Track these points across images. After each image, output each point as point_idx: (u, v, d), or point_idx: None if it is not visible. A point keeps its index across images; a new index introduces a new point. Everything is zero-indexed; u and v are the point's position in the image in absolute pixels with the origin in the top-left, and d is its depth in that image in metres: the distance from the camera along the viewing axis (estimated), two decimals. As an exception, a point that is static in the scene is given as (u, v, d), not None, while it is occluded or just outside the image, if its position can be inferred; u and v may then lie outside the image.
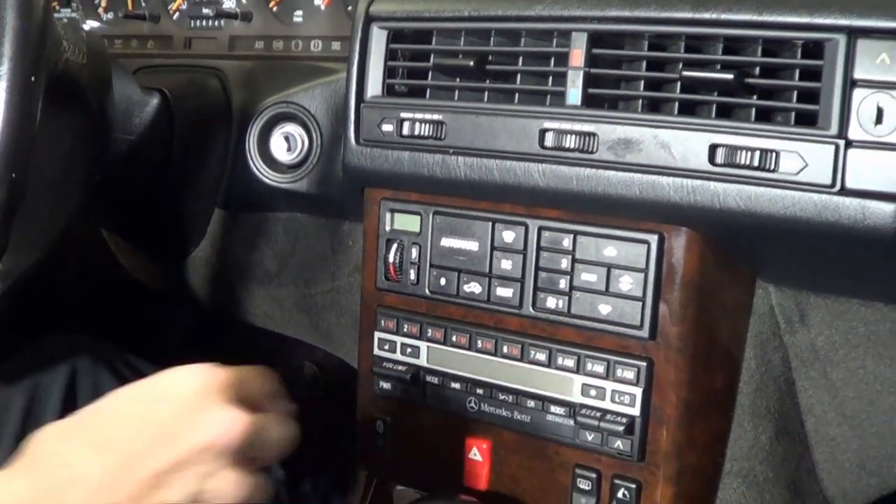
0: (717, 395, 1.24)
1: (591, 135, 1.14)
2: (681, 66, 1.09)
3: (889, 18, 0.97)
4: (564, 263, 1.21)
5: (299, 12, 1.70)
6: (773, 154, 1.03)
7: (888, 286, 1.11)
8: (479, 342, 1.29)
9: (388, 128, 1.29)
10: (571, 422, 1.23)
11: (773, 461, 1.29)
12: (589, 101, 1.15)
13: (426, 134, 1.25)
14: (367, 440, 1.43)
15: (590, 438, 1.22)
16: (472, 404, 1.30)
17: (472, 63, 1.21)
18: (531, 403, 1.26)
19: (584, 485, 1.24)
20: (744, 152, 1.05)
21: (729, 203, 1.06)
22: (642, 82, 1.13)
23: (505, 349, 1.27)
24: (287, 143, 1.49)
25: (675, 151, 1.09)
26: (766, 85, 1.06)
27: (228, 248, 1.66)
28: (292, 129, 1.49)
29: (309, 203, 1.53)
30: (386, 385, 1.38)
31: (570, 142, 1.15)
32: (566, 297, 1.22)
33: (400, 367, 1.35)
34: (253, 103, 1.54)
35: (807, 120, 1.03)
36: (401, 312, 1.36)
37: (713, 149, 1.06)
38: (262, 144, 1.52)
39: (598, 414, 1.20)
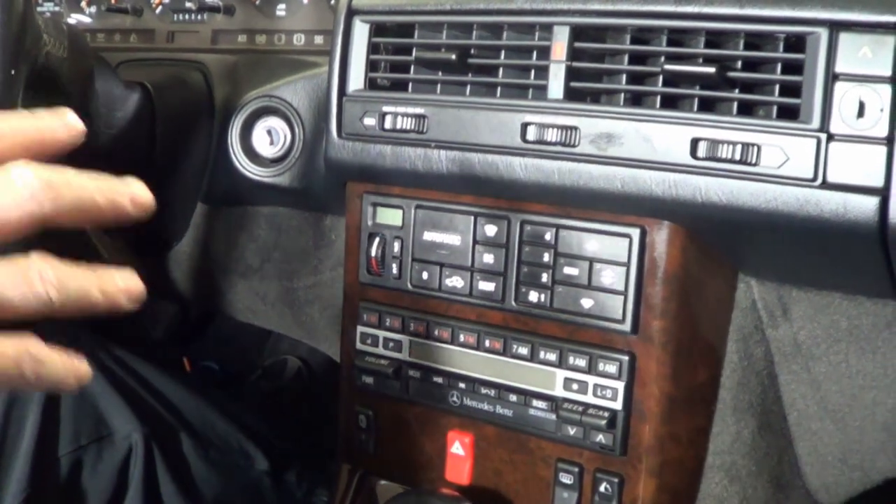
0: (700, 389, 1.24)
1: (573, 128, 1.13)
2: (663, 59, 1.09)
3: (871, 12, 0.97)
4: (546, 257, 1.21)
5: (282, 6, 1.69)
6: (755, 148, 1.03)
7: (870, 280, 1.11)
8: (462, 336, 1.28)
9: (370, 121, 1.28)
10: (554, 416, 1.23)
11: (755, 455, 1.29)
12: (571, 94, 1.15)
13: (408, 128, 1.25)
14: (349, 434, 1.43)
15: (572, 433, 1.22)
16: (455, 398, 1.30)
17: (454, 57, 1.21)
18: (513, 398, 1.26)
19: (566, 479, 1.24)
20: (726, 146, 1.05)
21: (711, 197, 1.06)
22: (624, 76, 1.13)
23: (487, 343, 1.27)
24: (269, 136, 1.49)
25: (657, 145, 1.09)
26: (748, 79, 1.06)
27: (211, 242, 1.66)
28: (275, 122, 1.49)
29: (291, 197, 1.52)
30: (368, 379, 1.38)
31: (551, 135, 1.15)
32: (548, 291, 1.22)
33: (382, 362, 1.35)
34: (235, 97, 1.54)
35: (789, 114, 1.03)
36: (383, 306, 1.36)
37: (695, 142, 1.06)
38: (245, 138, 1.51)
39: (581, 408, 1.20)
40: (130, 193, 0.74)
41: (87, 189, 0.71)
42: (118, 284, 0.74)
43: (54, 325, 0.74)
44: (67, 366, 0.74)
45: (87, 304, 0.72)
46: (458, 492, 1.30)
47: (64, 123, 0.74)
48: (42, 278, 0.69)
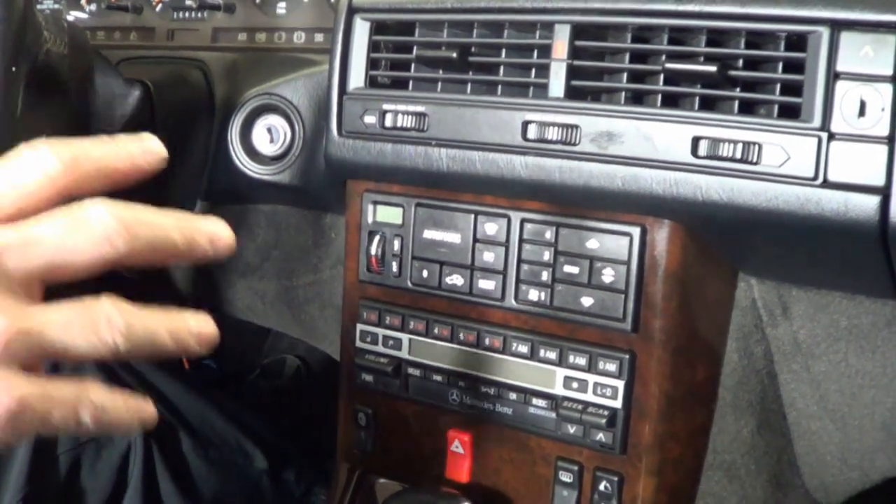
0: (700, 387, 1.24)
1: (574, 127, 1.13)
2: (664, 58, 1.09)
3: (872, 11, 0.97)
4: (547, 256, 1.21)
5: (283, 4, 1.69)
6: (756, 146, 1.03)
7: (870, 279, 1.11)
8: (462, 334, 1.28)
9: (370, 119, 1.28)
10: (553, 414, 1.23)
11: (754, 454, 1.29)
12: (571, 93, 1.15)
13: (408, 126, 1.25)
14: (348, 432, 1.43)
15: (572, 431, 1.21)
16: (454, 397, 1.30)
17: (454, 55, 1.21)
18: (513, 396, 1.26)
19: (565, 477, 1.24)
20: (726, 145, 1.04)
21: (711, 195, 1.06)
22: (625, 74, 1.13)
23: (487, 341, 1.27)
24: (269, 134, 1.49)
25: (658, 144, 1.09)
26: (749, 77, 1.06)
27: (210, 239, 1.66)
28: (275, 120, 1.49)
29: (291, 195, 1.52)
30: (368, 377, 1.37)
31: (552, 134, 1.14)
32: (548, 290, 1.22)
33: (382, 360, 1.35)
34: (235, 95, 1.54)
35: (790, 112, 1.03)
36: (383, 304, 1.35)
37: (696, 141, 1.06)
38: (245, 136, 1.51)
39: (580, 406, 1.20)
40: (210, 233, 0.73)
41: (164, 228, 0.71)
42: (190, 328, 0.73)
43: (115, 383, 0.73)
44: (131, 410, 0.73)
45: (156, 350, 0.71)
46: (457, 490, 1.30)
47: (145, 151, 0.74)
48: (111, 325, 0.68)
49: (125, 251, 0.69)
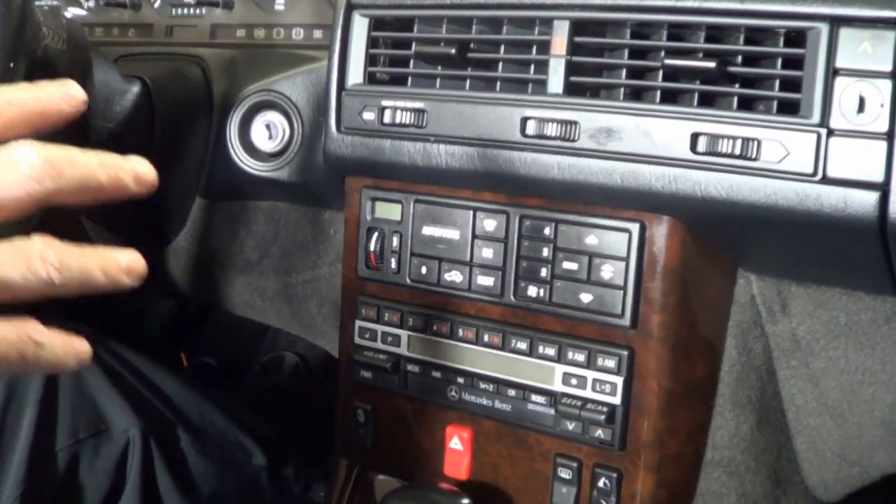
0: (699, 384, 1.24)
1: (573, 123, 1.13)
2: (663, 54, 1.09)
3: (871, 7, 0.97)
4: (546, 252, 1.21)
5: (281, 0, 1.69)
6: (755, 143, 1.03)
7: (870, 275, 1.11)
8: (460, 331, 1.28)
9: (369, 116, 1.28)
10: (552, 411, 1.23)
11: (754, 451, 1.29)
12: (570, 89, 1.14)
13: (407, 122, 1.25)
14: (347, 429, 1.43)
15: (571, 427, 1.21)
16: (453, 393, 1.30)
17: (453, 51, 1.21)
18: (512, 392, 1.26)
19: (564, 474, 1.24)
20: (726, 141, 1.04)
21: (710, 191, 1.06)
22: (624, 70, 1.13)
23: (486, 338, 1.27)
24: (268, 131, 1.49)
25: (657, 140, 1.08)
26: (749, 73, 1.06)
27: (209, 236, 1.66)
28: (273, 117, 1.49)
29: (290, 191, 1.52)
30: (366, 374, 1.37)
31: (551, 130, 1.14)
32: (547, 286, 1.22)
33: (381, 356, 1.35)
34: (234, 91, 1.54)
35: (789, 109, 1.02)
36: (382, 301, 1.35)
37: (695, 137, 1.06)
38: (244, 133, 1.51)
39: (579, 403, 1.20)
40: (133, 170, 0.74)
41: (90, 166, 0.71)
42: (119, 263, 0.73)
43: (49, 320, 0.74)
44: (67, 347, 0.74)
45: (89, 284, 0.72)
46: (456, 487, 1.30)
47: (66, 94, 0.74)
48: (43, 259, 0.69)
49: (53, 190, 0.69)
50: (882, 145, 0.97)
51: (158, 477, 1.63)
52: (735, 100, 1.06)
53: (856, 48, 0.98)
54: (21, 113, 0.72)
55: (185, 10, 1.76)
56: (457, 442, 1.32)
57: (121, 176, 0.73)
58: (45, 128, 0.73)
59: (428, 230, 1.30)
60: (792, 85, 1.02)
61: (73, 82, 0.74)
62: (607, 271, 1.18)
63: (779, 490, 1.33)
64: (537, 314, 1.24)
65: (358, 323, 1.38)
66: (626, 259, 1.16)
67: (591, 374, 1.20)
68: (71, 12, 1.86)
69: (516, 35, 1.20)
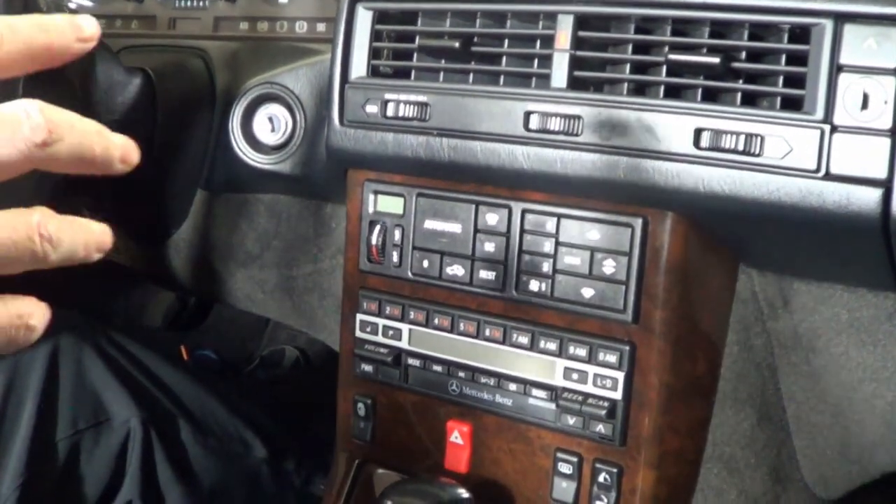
0: (700, 380, 1.24)
1: (576, 117, 1.13)
2: (667, 49, 1.09)
3: (876, 4, 0.97)
4: (548, 246, 1.21)
5: (284, -7, 1.69)
6: (759, 138, 1.03)
7: (871, 272, 1.11)
8: (462, 325, 1.28)
9: (372, 109, 1.28)
10: (553, 405, 1.23)
11: (754, 447, 1.29)
12: (574, 83, 1.14)
13: (410, 115, 1.25)
14: (347, 422, 1.43)
15: (571, 422, 1.22)
16: (454, 387, 1.30)
17: (457, 45, 1.20)
18: (513, 387, 1.26)
19: (565, 469, 1.24)
20: (729, 136, 1.04)
21: (713, 187, 1.06)
22: (628, 65, 1.13)
23: (487, 332, 1.26)
24: (271, 124, 1.48)
25: (660, 135, 1.08)
26: (752, 69, 1.06)
27: (211, 229, 1.66)
28: (276, 110, 1.48)
29: (292, 185, 1.52)
30: (367, 367, 1.37)
31: (554, 124, 1.14)
32: (549, 281, 1.22)
33: (382, 350, 1.35)
34: (237, 84, 1.54)
35: (792, 105, 1.03)
36: (383, 295, 1.35)
37: (698, 133, 1.06)
38: (246, 125, 1.51)
39: (580, 398, 1.20)
40: (123, 149, 0.70)
41: (88, 135, 0.68)
42: (97, 238, 0.71)
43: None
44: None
45: (71, 261, 0.69)
46: (456, 480, 1.30)
47: (76, 27, 0.69)
48: (40, 233, 0.65)
49: (50, 154, 0.65)
50: (885, 142, 0.97)
51: (158, 468, 1.63)
52: (739, 95, 1.06)
53: (860, 45, 0.98)
54: (24, 46, 0.67)
55: (189, 3, 1.76)
56: (457, 436, 1.32)
57: (112, 151, 0.70)
58: (50, 64, 0.69)
59: (430, 224, 1.30)
60: (796, 81, 1.02)
61: (86, 15, 0.70)
62: (609, 266, 1.17)
63: (779, 487, 1.33)
64: (539, 309, 1.24)
65: (359, 316, 1.38)
66: (629, 254, 1.16)
67: (592, 369, 1.20)
68: (75, 3, 1.86)
69: (520, 29, 1.19)
